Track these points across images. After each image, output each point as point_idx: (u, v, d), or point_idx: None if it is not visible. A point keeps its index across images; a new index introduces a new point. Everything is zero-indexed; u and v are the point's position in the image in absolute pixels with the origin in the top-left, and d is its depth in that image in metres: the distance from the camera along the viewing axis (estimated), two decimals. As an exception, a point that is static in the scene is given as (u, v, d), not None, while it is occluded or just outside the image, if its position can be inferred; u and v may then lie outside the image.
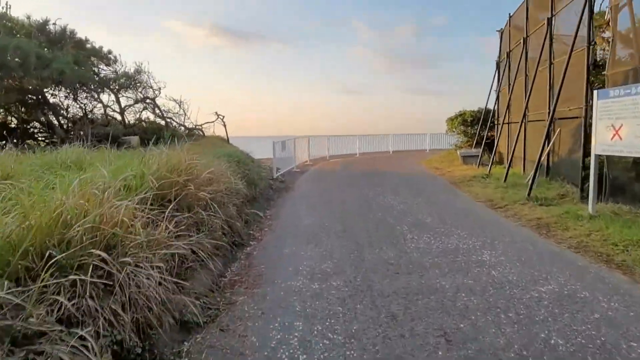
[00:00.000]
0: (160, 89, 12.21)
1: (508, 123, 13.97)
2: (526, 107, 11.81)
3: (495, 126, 15.66)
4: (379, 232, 6.22)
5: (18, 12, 10.21)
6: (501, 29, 15.94)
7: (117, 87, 11.31)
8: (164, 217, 3.25)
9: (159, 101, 12.23)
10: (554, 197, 8.41)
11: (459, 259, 5.04)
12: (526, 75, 11.85)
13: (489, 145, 16.42)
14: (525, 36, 11.82)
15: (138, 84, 11.61)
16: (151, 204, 3.28)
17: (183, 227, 3.56)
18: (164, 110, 12.43)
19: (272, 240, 6.05)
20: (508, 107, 13.97)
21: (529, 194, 8.51)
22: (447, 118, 18.42)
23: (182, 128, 12.72)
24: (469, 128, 17.09)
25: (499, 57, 16.06)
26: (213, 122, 13.65)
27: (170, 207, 3.40)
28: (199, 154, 5.67)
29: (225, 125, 13.86)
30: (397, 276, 4.50)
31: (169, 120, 12.49)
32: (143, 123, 12.00)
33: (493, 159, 13.07)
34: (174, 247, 3.17)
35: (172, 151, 4.85)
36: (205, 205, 4.20)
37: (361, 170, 14.59)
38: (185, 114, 12.72)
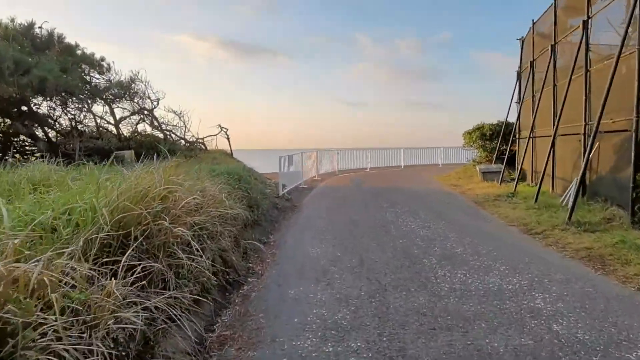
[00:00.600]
0: (158, 99, 11.46)
1: (532, 137, 12.96)
2: (557, 120, 10.82)
3: (517, 140, 14.65)
4: (404, 267, 5.21)
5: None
6: (522, 37, 15.05)
7: (110, 97, 10.54)
8: (118, 268, 2.32)
9: (157, 113, 11.50)
10: (598, 221, 7.34)
11: (507, 307, 4.02)
12: (554, 85, 10.89)
13: (509, 161, 15.38)
14: (553, 43, 10.89)
15: (134, 94, 10.85)
16: (106, 249, 2.37)
17: (148, 280, 2.62)
18: (162, 122, 11.65)
19: (275, 276, 5.07)
20: (533, 120, 12.98)
21: (569, 218, 7.45)
22: (464, 132, 17.44)
23: (182, 142, 11.91)
24: (488, 142, 16.07)
25: (520, 67, 15.13)
26: (216, 135, 12.85)
27: (128, 252, 2.46)
28: (182, 174, 4.72)
29: (229, 139, 13.07)
30: (434, 333, 3.49)
31: (167, 133, 11.69)
32: (139, 136, 11.17)
33: (519, 176, 12.02)
34: (134, 309, 2.21)
35: (146, 172, 3.91)
36: (189, 241, 3.26)
37: (373, 187, 13.61)
38: (185, 127, 11.94)
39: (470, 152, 28.46)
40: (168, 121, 11.72)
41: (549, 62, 10.97)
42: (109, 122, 11.10)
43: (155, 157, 10.62)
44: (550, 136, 10.95)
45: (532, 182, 12.74)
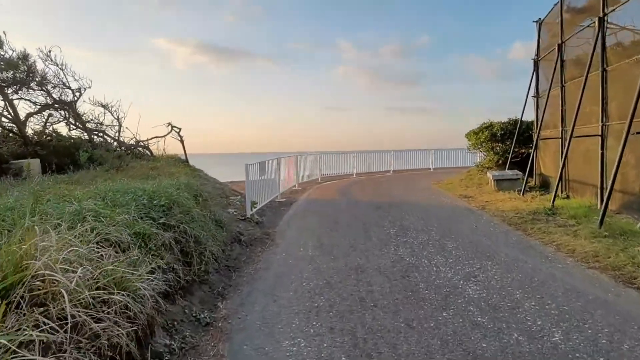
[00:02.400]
0: (81, 89, 8.34)
1: (561, 138, 10.53)
2: (602, 114, 8.36)
3: (536, 141, 12.22)
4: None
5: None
6: (540, 19, 12.65)
7: (5, 85, 7.45)
8: None
9: (81, 108, 8.48)
10: None
11: None
12: (604, 69, 8.44)
13: (521, 165, 12.97)
14: (602, 14, 8.41)
15: (45, 82, 7.78)
16: None
17: None
18: (91, 120, 8.59)
19: None
20: (562, 115, 10.54)
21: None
22: (469, 132, 14.93)
23: (117, 145, 8.83)
24: (499, 144, 13.60)
25: (538, 54, 12.72)
26: (164, 136, 9.85)
27: None
28: None
29: (182, 141, 10.09)
30: None
31: (95, 134, 8.63)
32: (52, 139, 8.06)
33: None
34: None
35: None
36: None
37: (367, 201, 10.86)
38: (120, 126, 8.88)
39: (462, 155, 26.25)
40: (97, 119, 8.65)
41: (596, 40, 8.49)
42: (10, 120, 7.93)
43: (72, 166, 7.60)
44: (598, 135, 8.48)
45: (561, 192, 10.31)
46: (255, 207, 8.43)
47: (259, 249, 6.11)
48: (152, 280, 3.06)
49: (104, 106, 8.60)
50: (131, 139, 9.27)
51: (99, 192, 4.23)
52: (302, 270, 5.10)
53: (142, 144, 9.33)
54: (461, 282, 4.60)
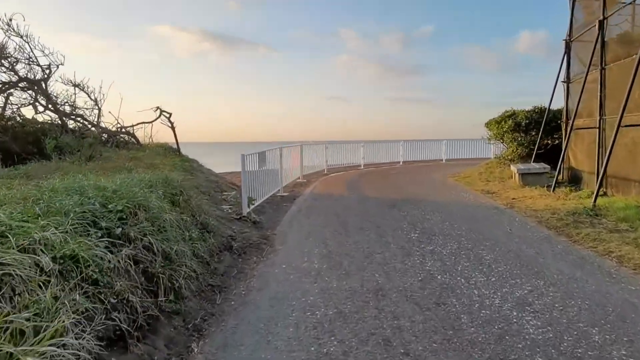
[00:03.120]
0: (51, 66, 7.14)
1: (598, 127, 9.32)
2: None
3: (567, 131, 10.99)
4: None
5: None
6: (572, -6, 11.34)
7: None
8: None
9: (53, 87, 7.38)
10: None
11: None
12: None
13: (545, 157, 11.78)
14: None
15: (5, 55, 6.63)
16: None
17: None
18: (66, 103, 7.47)
19: None
20: (600, 101, 9.32)
21: None
22: (489, 121, 13.70)
23: (95, 131, 7.71)
24: (523, 135, 12.37)
25: (570, 34, 11.43)
26: (151, 122, 8.73)
27: None
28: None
29: (173, 127, 8.98)
30: None
31: (76, 118, 7.51)
32: (16, 123, 6.90)
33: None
34: None
35: None
36: None
37: (379, 197, 9.74)
38: (99, 109, 7.74)
39: (475, 146, 24.97)
40: (70, 101, 7.49)
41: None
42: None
43: (38, 156, 6.54)
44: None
45: (598, 189, 9.14)
46: (253, 204, 7.34)
47: (254, 259, 5.02)
48: (79, 335, 1.99)
49: (77, 85, 7.46)
50: (114, 125, 8.17)
51: (35, 193, 3.15)
52: (305, 291, 4.01)
53: (125, 130, 8.23)
54: (514, 312, 3.51)
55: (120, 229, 3.14)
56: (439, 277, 4.36)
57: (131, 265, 2.97)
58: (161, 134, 9.34)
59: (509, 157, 12.75)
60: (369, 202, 8.85)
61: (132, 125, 8.39)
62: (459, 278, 4.32)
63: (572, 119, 10.07)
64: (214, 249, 4.78)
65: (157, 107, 8.58)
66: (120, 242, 3.06)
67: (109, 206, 3.27)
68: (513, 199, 9.34)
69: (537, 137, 12.01)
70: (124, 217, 3.29)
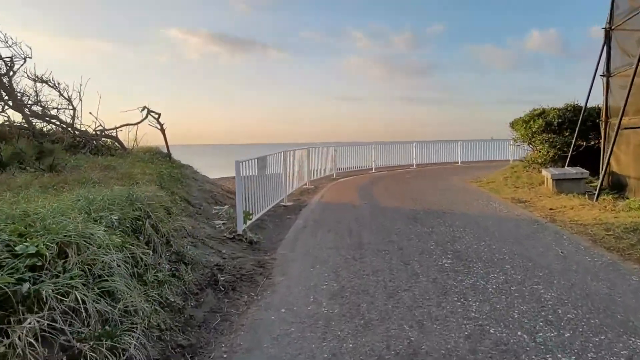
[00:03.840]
0: (13, 59, 6.00)
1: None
2: None
3: (608, 131, 9.74)
4: None
5: None
6: (613, -24, 10.08)
7: None
8: None
9: (21, 84, 6.35)
10: None
11: None
12: None
13: (578, 161, 10.53)
14: None
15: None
16: None
17: None
18: (35, 102, 6.39)
19: None
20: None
21: None
22: (516, 120, 12.47)
23: (69, 134, 6.60)
24: (555, 136, 11.12)
25: (610, 21, 10.17)
26: (136, 124, 7.67)
27: None
28: None
29: (163, 130, 7.91)
30: None
31: (52, 121, 6.47)
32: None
33: (604, 183, 7.09)
34: None
35: None
36: None
37: (397, 207, 8.59)
38: (74, 109, 6.68)
39: (491, 148, 23.61)
40: (37, 98, 6.40)
41: None
42: None
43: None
44: None
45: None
46: (250, 220, 6.24)
47: (246, 298, 3.91)
48: None
49: (44, 81, 6.39)
50: (92, 127, 7.08)
51: None
52: (311, 356, 2.89)
53: (106, 133, 7.17)
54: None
55: (27, 286, 2.05)
56: (491, 330, 3.21)
57: (35, 342, 1.88)
58: (152, 137, 8.29)
59: (539, 160, 11.49)
60: (386, 214, 7.70)
61: (115, 128, 7.34)
62: (519, 333, 3.16)
63: (619, 116, 8.81)
64: (193, 287, 3.68)
65: (144, 107, 7.54)
66: (24, 307, 1.96)
67: (18, 247, 2.19)
68: (551, 209, 8.12)
69: (571, 138, 10.76)
70: (40, 264, 2.20)
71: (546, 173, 10.15)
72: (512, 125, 12.73)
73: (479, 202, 9.02)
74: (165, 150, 8.12)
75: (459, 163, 21.50)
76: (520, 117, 12.34)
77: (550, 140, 11.11)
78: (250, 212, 6.29)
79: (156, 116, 7.76)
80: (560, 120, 11.00)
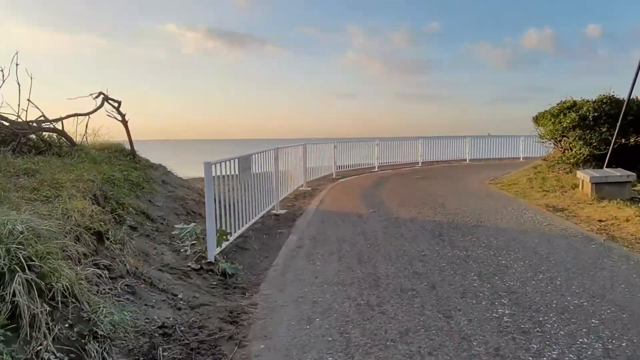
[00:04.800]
0: None
1: None
2: None
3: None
4: None
5: None
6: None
7: None
8: None
9: None
10: None
11: None
12: None
13: (616, 161, 9.07)
14: None
15: None
16: None
17: None
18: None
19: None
20: None
21: None
22: (542, 113, 10.98)
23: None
24: (591, 132, 9.63)
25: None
26: (88, 114, 6.08)
27: None
28: None
29: (125, 123, 6.36)
30: None
31: None
32: None
33: None
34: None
35: None
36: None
37: (413, 217, 7.08)
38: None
39: (499, 145, 22.07)
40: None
41: None
42: None
43: None
44: None
45: None
46: (226, 240, 4.72)
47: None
48: None
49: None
50: (40, 117, 5.49)
51: None
52: None
53: (47, 124, 5.61)
54: None
55: None
56: None
57: None
58: (116, 132, 6.72)
59: (570, 160, 10.01)
60: (402, 228, 6.19)
61: (61, 118, 5.78)
62: None
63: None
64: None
65: (100, 93, 5.99)
66: None
67: None
68: (601, 221, 6.65)
69: (608, 134, 9.29)
70: None
71: (583, 175, 8.67)
72: (537, 120, 11.24)
73: (509, 210, 7.52)
74: (130, 148, 6.56)
75: (467, 161, 20.03)
76: (547, 111, 10.86)
77: (585, 136, 9.62)
78: (228, 231, 4.76)
79: (116, 105, 6.20)
80: (596, 114, 9.50)
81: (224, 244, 4.63)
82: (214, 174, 4.53)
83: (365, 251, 5.01)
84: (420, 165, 18.45)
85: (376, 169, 16.54)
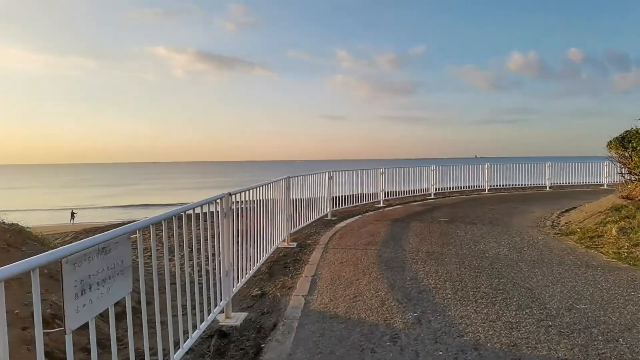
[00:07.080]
0: None
1: None
2: None
3: None
4: None
5: None
6: None
7: None
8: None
9: None
10: None
11: None
12: None
13: None
14: None
15: None
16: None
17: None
18: None
19: None
20: None
21: None
22: (623, 135, 7.74)
23: None
24: None
25: None
26: None
27: None
28: None
29: None
30: None
31: None
32: None
33: None
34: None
35: None
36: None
37: (499, 326, 3.55)
38: None
39: (516, 172, 18.58)
40: None
41: None
42: None
43: None
44: None
45: None
46: None
47: None
48: None
49: None
50: None
51: None
52: None
53: None
54: None
55: None
56: None
57: None
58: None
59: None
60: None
61: None
62: None
63: None
64: None
65: None
66: None
67: None
68: None
69: None
70: None
71: None
72: (614, 145, 7.97)
73: (631, 300, 4.05)
74: None
75: (486, 191, 16.69)
76: (627, 132, 7.63)
77: None
78: None
79: None
80: None
81: None
82: None
83: None
84: (432, 197, 15.04)
85: (381, 204, 13.07)
